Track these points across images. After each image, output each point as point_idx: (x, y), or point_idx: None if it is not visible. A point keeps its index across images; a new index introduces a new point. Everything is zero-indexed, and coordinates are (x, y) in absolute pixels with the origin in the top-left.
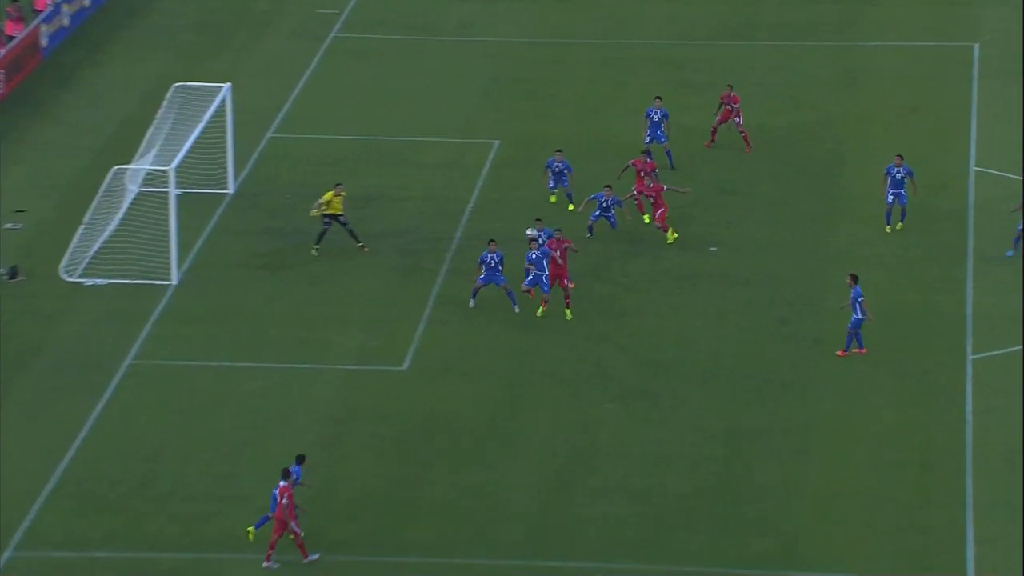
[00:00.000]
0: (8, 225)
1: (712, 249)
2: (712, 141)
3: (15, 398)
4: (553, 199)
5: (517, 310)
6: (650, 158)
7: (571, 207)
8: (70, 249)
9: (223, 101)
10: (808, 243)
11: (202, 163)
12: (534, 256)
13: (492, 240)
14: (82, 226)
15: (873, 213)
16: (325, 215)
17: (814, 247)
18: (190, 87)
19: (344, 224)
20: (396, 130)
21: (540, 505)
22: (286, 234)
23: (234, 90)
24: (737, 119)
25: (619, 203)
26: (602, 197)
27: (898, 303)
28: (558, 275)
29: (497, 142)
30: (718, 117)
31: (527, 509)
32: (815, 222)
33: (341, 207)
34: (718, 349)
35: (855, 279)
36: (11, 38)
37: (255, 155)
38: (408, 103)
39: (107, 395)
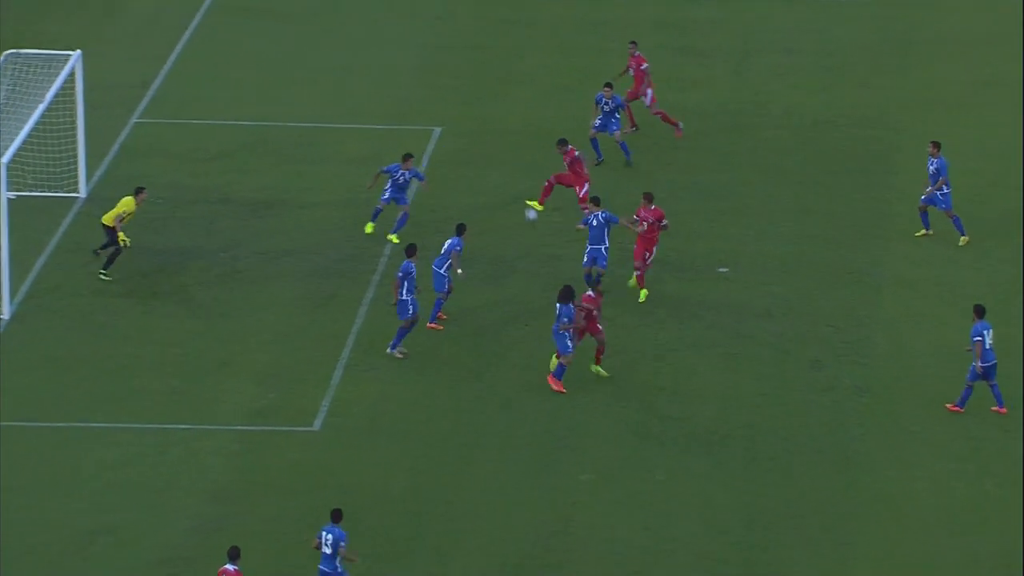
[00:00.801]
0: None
1: (722, 271)
2: (633, 126)
3: None
4: (369, 228)
5: (393, 354)
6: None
7: (393, 238)
8: None
9: (71, 75)
10: (849, 264)
11: (44, 157)
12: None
13: (411, 245)
14: None
15: (935, 223)
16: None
17: (857, 269)
18: (26, 56)
19: (109, 243)
20: (303, 114)
21: None
22: (158, 252)
23: (86, 60)
24: (644, 95)
25: (614, 220)
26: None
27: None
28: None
29: (438, 130)
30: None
31: None
32: (859, 236)
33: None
34: (730, 402)
35: (980, 312)
36: None
37: (115, 147)
38: (319, 78)
39: None
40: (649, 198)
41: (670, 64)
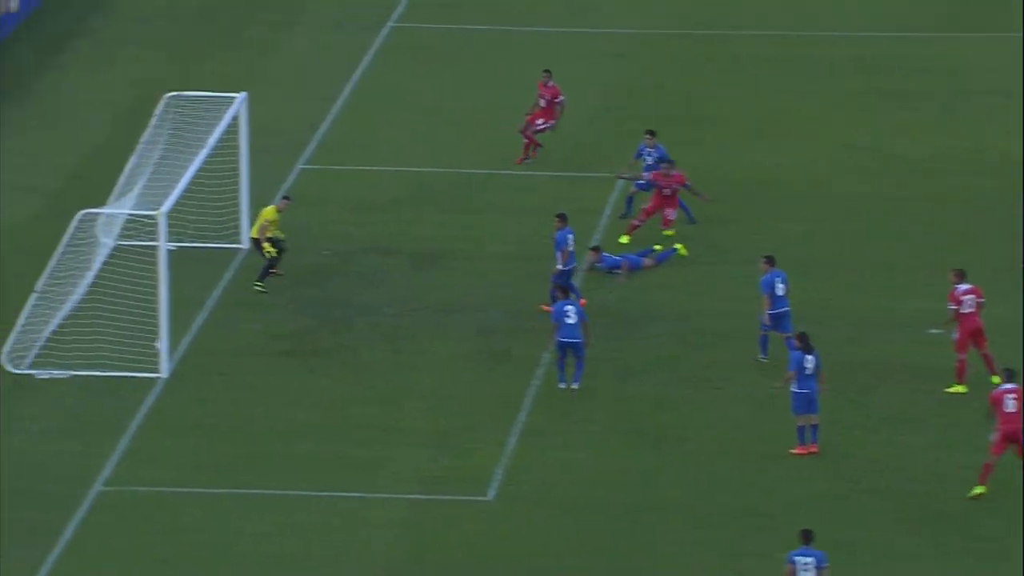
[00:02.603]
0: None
1: (933, 331)
2: (526, 157)
3: None
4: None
5: (569, 386)
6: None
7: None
8: (16, 329)
9: (235, 119)
10: None
11: (205, 206)
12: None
13: (561, 288)
14: (34, 295)
15: None
16: (270, 239)
17: None
18: (188, 98)
19: (276, 254)
20: (476, 160)
21: None
22: (322, 306)
23: (251, 103)
24: (541, 123)
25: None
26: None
27: None
28: (1013, 434)
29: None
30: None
31: None
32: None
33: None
34: (947, 477)
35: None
36: None
37: (279, 195)
38: (494, 121)
39: (66, 536)
40: (960, 275)
41: (871, 108)
